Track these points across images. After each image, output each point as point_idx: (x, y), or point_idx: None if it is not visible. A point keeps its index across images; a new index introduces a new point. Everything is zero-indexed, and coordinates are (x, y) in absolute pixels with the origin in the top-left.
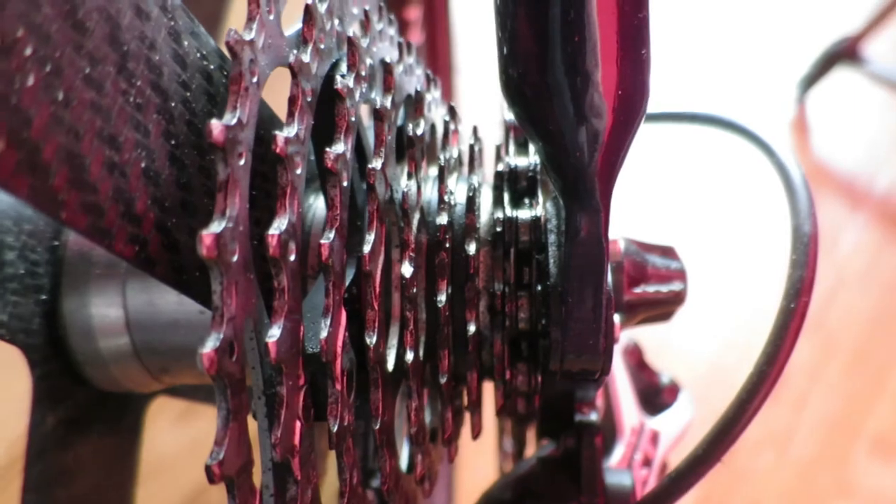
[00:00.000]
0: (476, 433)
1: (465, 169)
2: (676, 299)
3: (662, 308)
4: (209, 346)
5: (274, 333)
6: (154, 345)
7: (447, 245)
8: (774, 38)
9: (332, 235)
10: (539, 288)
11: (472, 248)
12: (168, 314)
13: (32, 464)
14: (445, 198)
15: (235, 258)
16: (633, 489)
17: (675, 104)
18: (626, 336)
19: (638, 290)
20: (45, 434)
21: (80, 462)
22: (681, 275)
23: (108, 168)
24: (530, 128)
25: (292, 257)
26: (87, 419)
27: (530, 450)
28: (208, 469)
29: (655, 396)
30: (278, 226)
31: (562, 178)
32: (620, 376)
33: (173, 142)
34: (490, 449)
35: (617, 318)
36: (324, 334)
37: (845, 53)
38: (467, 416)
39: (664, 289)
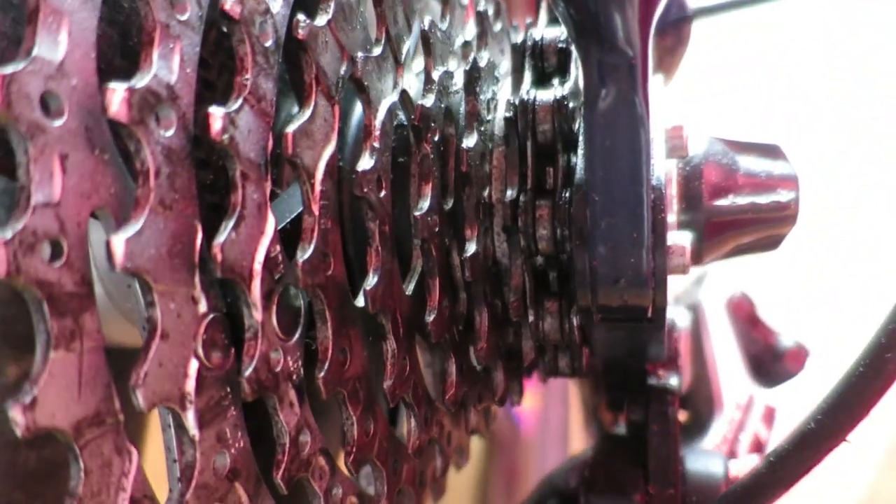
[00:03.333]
0: (500, 396)
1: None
2: (783, 215)
3: (763, 228)
4: None
5: None
6: None
7: (430, 135)
8: None
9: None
10: (567, 194)
11: (471, 141)
12: None
13: None
14: (433, 75)
15: None
16: (726, 479)
17: None
18: (728, 285)
19: (723, 201)
20: None
21: None
22: (789, 181)
23: None
24: None
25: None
26: None
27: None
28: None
29: (773, 363)
30: None
31: (578, 9)
32: (721, 334)
33: None
34: None
35: (688, 237)
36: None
37: None
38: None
39: (763, 200)
